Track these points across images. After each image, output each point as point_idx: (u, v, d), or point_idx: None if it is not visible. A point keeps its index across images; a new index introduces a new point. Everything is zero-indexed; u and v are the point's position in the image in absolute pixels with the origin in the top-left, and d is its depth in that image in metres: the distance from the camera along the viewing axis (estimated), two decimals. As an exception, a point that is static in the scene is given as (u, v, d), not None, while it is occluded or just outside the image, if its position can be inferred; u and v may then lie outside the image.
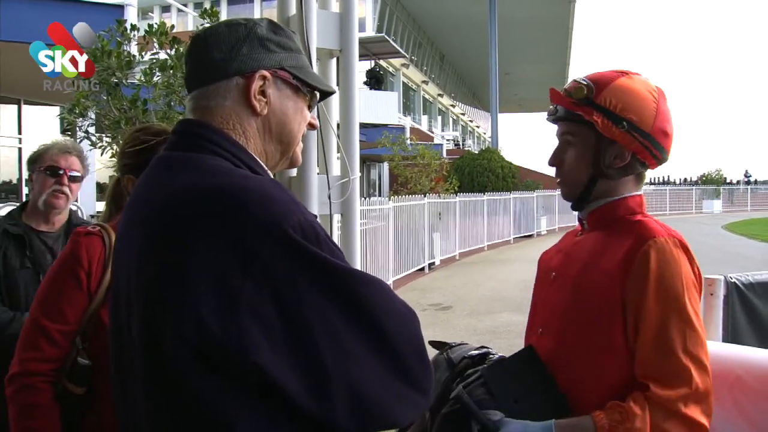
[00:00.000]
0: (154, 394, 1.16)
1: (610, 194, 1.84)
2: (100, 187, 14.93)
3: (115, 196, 2.24)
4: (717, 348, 2.09)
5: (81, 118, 5.36)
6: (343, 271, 1.16)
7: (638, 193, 1.88)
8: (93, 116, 5.57)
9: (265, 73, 1.33)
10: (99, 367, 1.90)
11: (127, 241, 1.29)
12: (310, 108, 1.45)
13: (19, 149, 15.48)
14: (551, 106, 1.91)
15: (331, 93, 1.52)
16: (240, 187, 1.17)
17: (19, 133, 15.37)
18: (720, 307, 2.57)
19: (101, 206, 5.96)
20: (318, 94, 1.46)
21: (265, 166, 1.36)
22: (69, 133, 15.46)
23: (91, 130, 5.83)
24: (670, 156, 1.87)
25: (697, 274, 1.74)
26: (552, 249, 2.07)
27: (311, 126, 1.46)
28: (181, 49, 5.01)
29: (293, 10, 3.82)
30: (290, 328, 1.09)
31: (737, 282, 2.66)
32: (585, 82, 1.80)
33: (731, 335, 2.62)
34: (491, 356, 1.91)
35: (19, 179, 15.47)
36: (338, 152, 2.69)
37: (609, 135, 1.76)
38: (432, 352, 1.71)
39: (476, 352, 1.93)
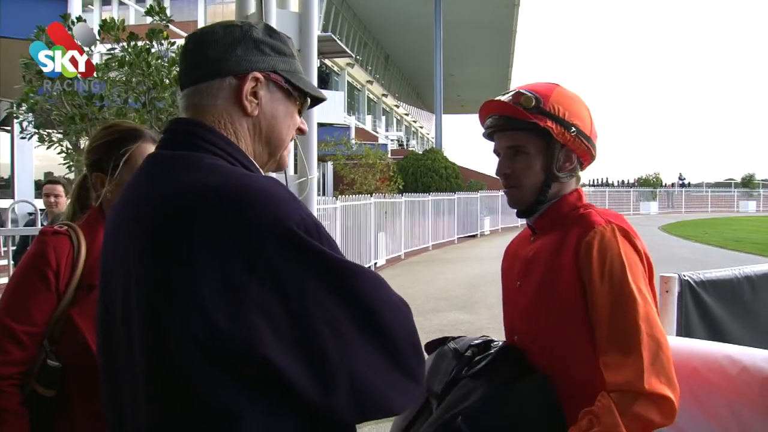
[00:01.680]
0: (158, 392, 1.17)
1: (556, 196, 1.94)
2: (37, 185, 14.54)
3: (81, 194, 2.18)
4: (674, 342, 2.19)
5: (31, 113, 5.24)
6: (343, 265, 1.19)
7: (575, 187, 1.98)
8: (33, 112, 5.46)
9: (258, 75, 1.35)
10: (69, 369, 1.86)
11: (120, 240, 1.28)
12: (300, 113, 1.47)
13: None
14: (489, 119, 1.96)
15: (322, 100, 1.53)
16: (243, 185, 1.18)
17: (-47, 126, 14.88)
18: (674, 303, 2.69)
19: (40, 203, 5.85)
20: (309, 101, 1.48)
21: (257, 165, 1.38)
22: (7, 127, 15.00)
23: (32, 127, 5.71)
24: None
25: (641, 251, 1.81)
26: (511, 253, 2.13)
27: (300, 131, 1.48)
28: (139, 44, 4.94)
29: (252, 8, 3.81)
30: (295, 322, 1.12)
31: (690, 280, 2.79)
32: (531, 93, 1.87)
33: (684, 330, 2.73)
34: (494, 343, 1.95)
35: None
36: (296, 152, 2.70)
37: (562, 140, 1.86)
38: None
39: (479, 341, 1.97)
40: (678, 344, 2.19)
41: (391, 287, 1.28)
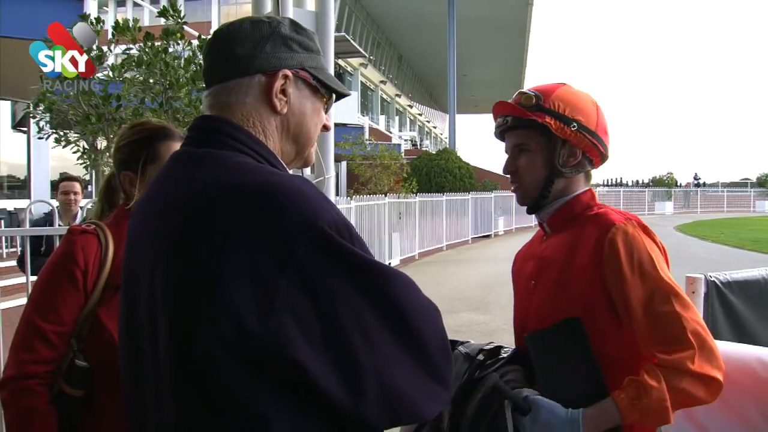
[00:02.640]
0: (185, 394, 1.15)
1: (565, 193, 1.97)
2: (53, 185, 14.64)
3: (108, 193, 2.16)
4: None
5: (49, 113, 5.25)
6: (374, 267, 1.17)
7: (588, 188, 2.00)
8: (50, 112, 5.48)
9: (287, 72, 1.33)
10: (97, 369, 1.85)
11: (145, 239, 1.26)
12: (325, 110, 1.45)
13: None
14: (499, 119, 2.02)
15: (346, 95, 1.51)
16: (273, 183, 1.16)
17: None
18: (701, 304, 2.65)
19: (56, 203, 5.87)
20: (334, 97, 1.46)
21: (284, 164, 1.36)
22: (23, 128, 15.10)
23: (46, 125, 5.73)
24: (610, 155, 2.02)
25: (660, 246, 1.85)
26: (522, 255, 2.16)
27: (325, 128, 1.47)
28: (156, 44, 4.93)
29: (269, 7, 3.79)
30: (325, 323, 1.09)
31: (716, 280, 2.75)
32: (532, 92, 1.93)
33: (711, 331, 2.68)
34: (504, 349, 1.97)
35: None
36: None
37: (562, 135, 1.90)
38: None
39: (489, 346, 1.99)
40: (706, 346, 2.16)
41: (421, 290, 1.26)
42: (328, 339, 1.09)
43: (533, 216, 2.06)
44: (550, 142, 1.91)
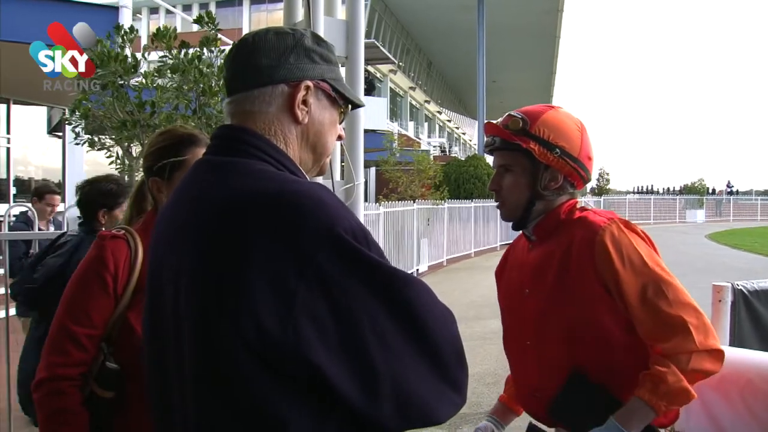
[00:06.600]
0: (207, 395, 1.19)
1: (542, 213, 2.06)
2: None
3: (138, 199, 2.23)
4: (728, 352, 2.15)
5: (84, 120, 5.34)
6: (391, 273, 1.20)
7: (570, 197, 2.10)
8: (86, 118, 5.56)
9: (309, 83, 1.37)
10: (127, 371, 1.89)
11: (172, 244, 1.30)
12: (340, 120, 1.48)
13: (8, 149, 15.44)
14: (488, 138, 2.13)
15: (360, 106, 1.55)
16: (293, 191, 1.19)
17: (8, 132, 15.31)
18: (728, 313, 2.65)
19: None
20: (350, 107, 1.50)
21: (303, 171, 1.39)
22: (59, 133, 15.31)
23: (82, 131, 5.83)
24: (593, 176, 2.13)
25: (642, 235, 1.99)
26: (509, 266, 2.27)
27: (339, 137, 1.50)
28: (190, 52, 5.01)
29: (300, 16, 3.84)
30: (343, 328, 1.13)
31: (743, 289, 2.75)
32: (519, 116, 2.04)
33: (737, 340, 2.69)
34: None
35: (7, 178, 15.40)
36: (342, 157, 2.72)
37: (544, 161, 1.99)
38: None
39: None
40: (732, 355, 2.15)
41: (436, 296, 1.29)
42: (345, 342, 1.12)
43: (523, 231, 2.15)
44: (533, 165, 2.01)
